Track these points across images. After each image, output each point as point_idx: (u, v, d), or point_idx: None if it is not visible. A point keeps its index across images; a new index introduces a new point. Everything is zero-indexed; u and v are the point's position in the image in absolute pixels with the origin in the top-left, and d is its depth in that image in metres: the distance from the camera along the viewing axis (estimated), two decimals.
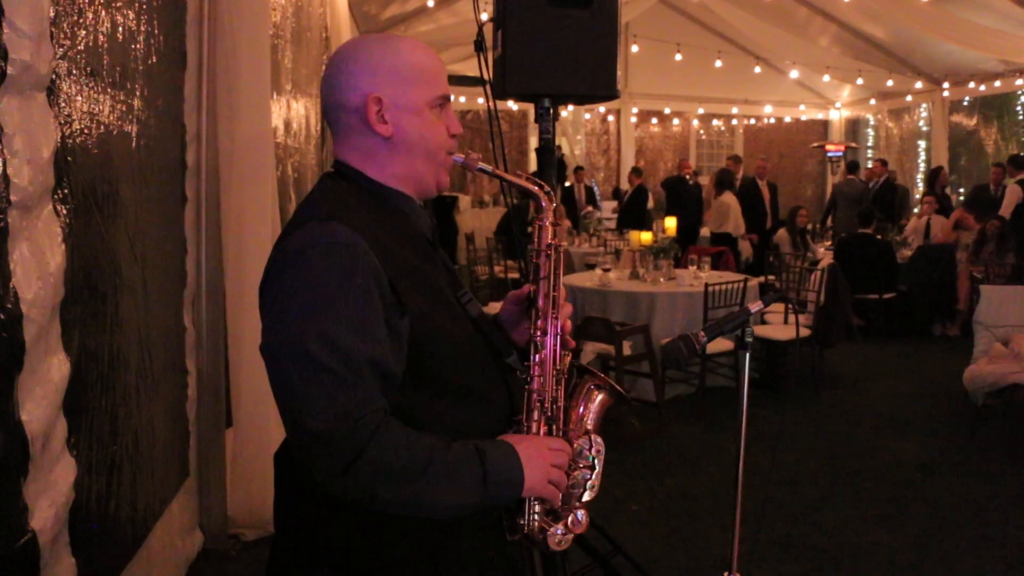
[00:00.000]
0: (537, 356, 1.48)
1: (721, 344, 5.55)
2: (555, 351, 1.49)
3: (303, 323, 1.24)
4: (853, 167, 11.78)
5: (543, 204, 1.53)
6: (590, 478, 1.48)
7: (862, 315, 8.13)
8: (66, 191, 2.03)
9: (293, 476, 1.44)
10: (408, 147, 1.43)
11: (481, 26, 2.73)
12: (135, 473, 2.64)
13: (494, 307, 1.89)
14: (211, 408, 3.46)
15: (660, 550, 3.66)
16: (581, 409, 1.53)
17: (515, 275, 8.72)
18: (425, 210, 1.52)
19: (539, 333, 1.49)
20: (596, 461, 1.49)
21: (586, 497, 1.48)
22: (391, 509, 1.28)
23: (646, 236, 7.46)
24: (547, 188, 1.53)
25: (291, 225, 1.38)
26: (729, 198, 10.18)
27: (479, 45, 2.68)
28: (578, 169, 13.25)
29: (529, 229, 1.61)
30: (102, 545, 2.36)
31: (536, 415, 1.46)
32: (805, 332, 6.20)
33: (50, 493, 1.93)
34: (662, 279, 6.40)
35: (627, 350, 5.25)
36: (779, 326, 6.38)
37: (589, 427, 1.52)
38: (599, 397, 1.54)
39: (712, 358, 5.82)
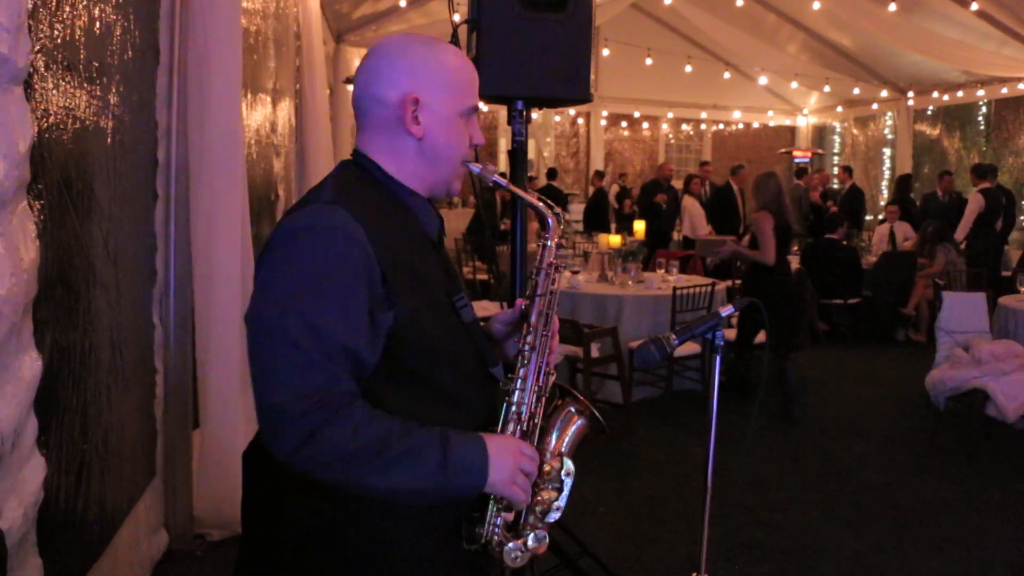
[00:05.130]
0: (522, 370, 1.49)
1: (688, 347, 5.61)
2: (539, 368, 1.49)
3: (286, 300, 1.27)
4: (799, 173, 12.14)
5: (550, 224, 1.54)
6: (557, 500, 1.48)
7: (827, 320, 8.26)
8: (41, 186, 2.03)
9: (264, 475, 1.45)
10: (433, 151, 1.45)
11: (455, 27, 2.76)
12: (104, 472, 2.62)
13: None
14: (178, 407, 3.44)
15: (627, 551, 3.70)
16: (558, 430, 1.53)
17: (484, 276, 8.74)
18: (434, 211, 1.53)
19: (527, 348, 1.50)
20: (565, 484, 1.49)
21: (551, 518, 1.48)
22: (346, 488, 1.30)
23: (614, 239, 7.52)
24: (556, 209, 1.55)
25: (298, 204, 1.40)
26: (687, 201, 10.37)
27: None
28: (552, 172, 13.25)
29: (534, 224, 1.62)
30: (69, 545, 2.34)
31: (512, 427, 1.46)
32: None
33: (19, 492, 1.92)
34: (630, 282, 6.45)
35: (595, 352, 5.29)
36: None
37: (563, 450, 1.52)
38: (578, 422, 1.54)
39: (679, 361, 5.89)
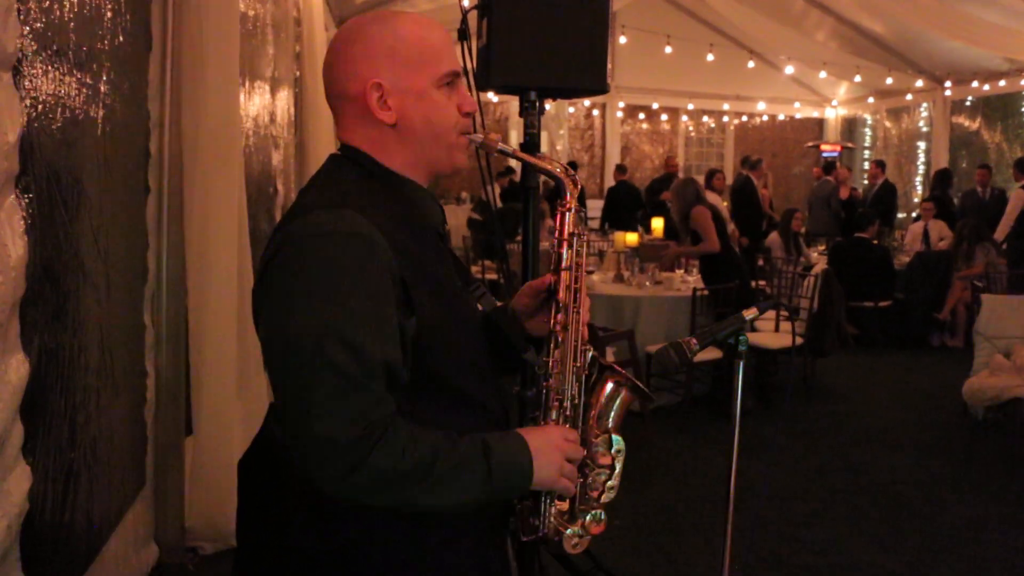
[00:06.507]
0: (556, 351, 1.49)
1: (709, 352, 5.60)
2: (575, 346, 1.49)
3: (318, 320, 1.24)
4: (828, 168, 12.12)
5: (567, 189, 1.52)
6: (609, 478, 1.50)
7: (856, 324, 8.24)
8: (29, 179, 2.03)
9: (261, 484, 1.45)
10: (414, 133, 1.42)
11: (465, 13, 2.76)
12: (91, 482, 2.63)
13: None
14: (170, 413, 3.44)
15: (643, 567, 3.70)
16: (601, 407, 1.53)
17: (492, 275, 8.75)
18: (436, 201, 1.52)
19: (559, 327, 1.49)
20: (616, 461, 1.51)
21: (604, 498, 1.50)
22: (392, 509, 1.31)
23: (631, 237, 7.50)
24: (571, 172, 1.53)
25: (298, 207, 1.37)
26: (710, 196, 10.34)
27: (463, 34, 2.71)
28: (572, 165, 13.24)
29: (549, 221, 1.63)
30: (54, 559, 2.34)
31: (554, 414, 1.48)
32: (797, 340, 6.27)
33: (2, 504, 1.92)
34: (648, 282, 6.44)
35: (610, 356, 5.29)
36: (770, 334, 6.44)
37: (609, 426, 1.53)
38: (620, 394, 1.54)
39: (699, 366, 5.88)
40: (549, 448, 1.39)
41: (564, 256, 1.52)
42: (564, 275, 1.51)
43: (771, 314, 6.56)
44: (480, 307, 1.57)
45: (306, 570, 1.38)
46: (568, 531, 1.46)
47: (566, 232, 1.52)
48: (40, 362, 2.13)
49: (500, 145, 1.52)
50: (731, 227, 10.29)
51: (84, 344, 2.51)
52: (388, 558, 1.37)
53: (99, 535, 2.76)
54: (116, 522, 2.95)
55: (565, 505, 1.47)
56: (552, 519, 1.45)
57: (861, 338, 8.20)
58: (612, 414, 1.54)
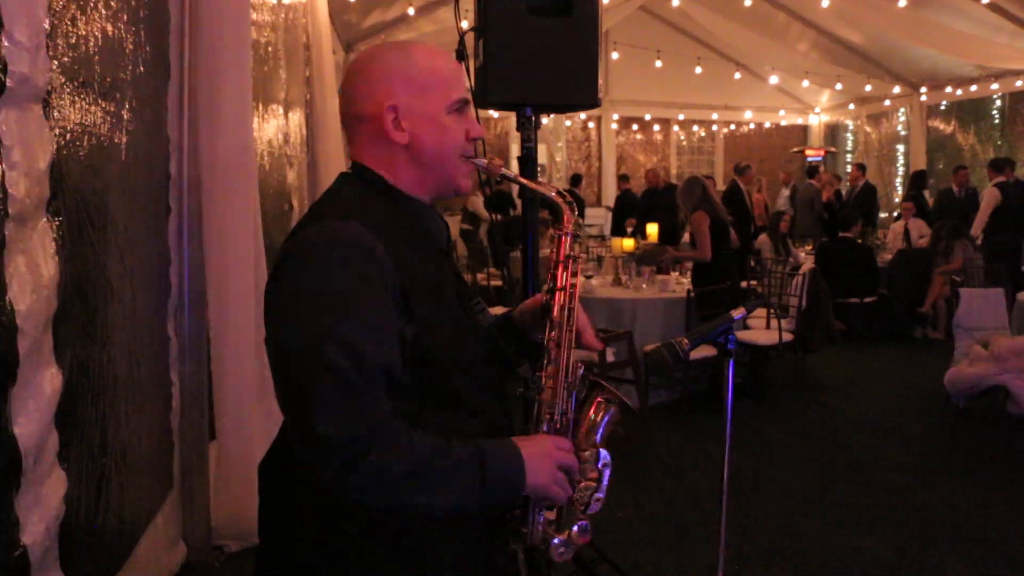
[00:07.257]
0: (549, 367, 1.49)
1: (704, 350, 5.62)
2: (567, 363, 1.50)
3: (319, 323, 1.26)
4: (811, 172, 12.13)
5: (564, 215, 1.54)
6: (596, 491, 1.50)
7: (843, 319, 8.25)
8: (59, 203, 2.06)
9: (279, 485, 1.46)
10: (424, 154, 1.44)
11: (462, 35, 2.79)
12: (122, 486, 2.66)
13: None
14: (194, 419, 3.47)
15: (645, 558, 3.70)
16: (590, 422, 1.53)
17: (498, 283, 8.77)
18: (440, 218, 1.54)
19: (552, 344, 1.50)
20: (603, 475, 1.51)
21: (591, 510, 1.50)
22: (388, 509, 1.31)
23: (628, 243, 7.52)
24: (569, 199, 1.55)
25: (307, 220, 1.40)
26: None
27: (460, 54, 2.73)
28: (576, 178, 13.23)
29: (551, 232, 1.64)
30: (89, 560, 2.37)
31: (545, 427, 1.48)
32: (787, 337, 6.28)
33: (41, 507, 1.95)
34: (644, 285, 6.46)
35: (610, 357, 5.30)
36: (761, 331, 6.45)
37: (597, 440, 1.53)
38: (609, 411, 1.55)
39: (695, 364, 5.89)
40: (541, 456, 1.40)
41: (559, 277, 1.53)
42: (559, 295, 1.52)
43: (763, 312, 6.57)
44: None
45: (319, 565, 1.40)
46: (555, 540, 1.45)
47: (562, 255, 1.53)
48: (72, 374, 2.16)
49: (503, 170, 1.54)
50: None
51: (113, 356, 2.54)
52: (393, 553, 1.37)
53: (131, 535, 2.79)
54: (147, 523, 2.98)
55: (553, 515, 1.47)
56: (540, 528, 1.45)
57: (848, 333, 8.20)
58: (600, 429, 1.54)
